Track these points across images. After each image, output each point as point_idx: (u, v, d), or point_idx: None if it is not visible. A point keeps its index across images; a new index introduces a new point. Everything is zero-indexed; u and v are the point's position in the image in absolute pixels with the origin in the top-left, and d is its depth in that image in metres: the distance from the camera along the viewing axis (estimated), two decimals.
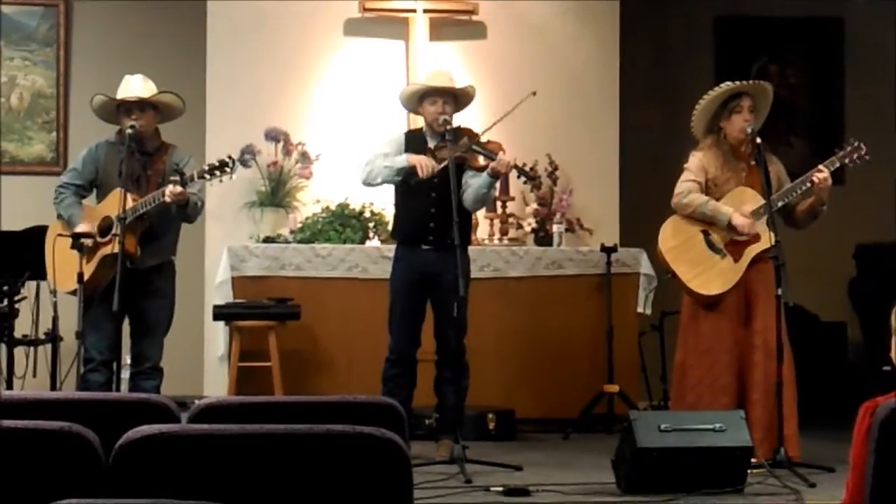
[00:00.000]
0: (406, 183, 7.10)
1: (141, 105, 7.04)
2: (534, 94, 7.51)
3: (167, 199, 6.76)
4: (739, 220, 6.99)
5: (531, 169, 7.16)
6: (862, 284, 10.04)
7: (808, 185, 7.02)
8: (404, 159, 7.08)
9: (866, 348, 9.76)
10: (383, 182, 7.18)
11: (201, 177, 6.88)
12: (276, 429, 3.00)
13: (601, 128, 9.29)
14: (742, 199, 7.06)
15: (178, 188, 6.76)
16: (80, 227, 6.91)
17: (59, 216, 7.08)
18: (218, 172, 6.88)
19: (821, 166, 7.02)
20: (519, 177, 7.13)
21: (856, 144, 7.09)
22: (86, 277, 6.79)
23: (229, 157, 6.95)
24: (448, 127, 7.07)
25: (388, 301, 7.34)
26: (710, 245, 7.08)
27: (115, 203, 6.84)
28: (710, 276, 7.05)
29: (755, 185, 7.06)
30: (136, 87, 7.12)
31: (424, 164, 6.99)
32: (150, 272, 6.98)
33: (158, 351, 7.05)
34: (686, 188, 7.09)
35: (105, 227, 6.91)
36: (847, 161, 7.09)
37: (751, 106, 7.10)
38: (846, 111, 10.50)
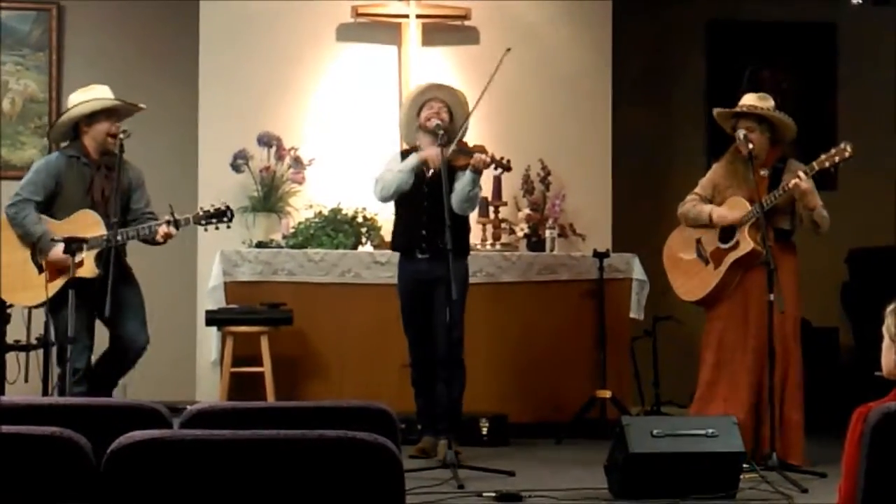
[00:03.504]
0: (415, 186, 7.27)
1: (119, 114, 7.14)
2: (508, 50, 7.70)
3: (159, 238, 6.99)
4: (717, 212, 7.34)
5: (507, 161, 7.30)
6: (854, 289, 10.04)
7: (784, 191, 7.14)
8: (415, 157, 7.30)
9: (858, 353, 9.76)
10: (398, 189, 7.33)
11: (197, 223, 7.12)
12: (268, 434, 2.99)
13: (594, 132, 9.28)
14: (733, 207, 7.30)
15: (173, 230, 6.98)
16: (54, 256, 6.94)
17: (24, 232, 7.04)
18: (214, 220, 7.12)
19: (799, 172, 7.09)
20: (496, 168, 7.31)
21: (841, 146, 7.08)
22: (48, 296, 6.89)
23: (226, 207, 7.15)
24: (440, 128, 7.23)
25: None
26: (699, 253, 7.44)
27: (83, 223, 6.94)
28: (695, 282, 7.42)
29: (763, 195, 7.19)
30: (110, 94, 7.18)
31: (434, 156, 7.19)
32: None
33: (146, 332, 7.17)
34: (686, 199, 7.50)
35: (75, 248, 6.92)
36: (828, 164, 7.09)
37: (758, 128, 7.27)
38: (839, 116, 10.49)
